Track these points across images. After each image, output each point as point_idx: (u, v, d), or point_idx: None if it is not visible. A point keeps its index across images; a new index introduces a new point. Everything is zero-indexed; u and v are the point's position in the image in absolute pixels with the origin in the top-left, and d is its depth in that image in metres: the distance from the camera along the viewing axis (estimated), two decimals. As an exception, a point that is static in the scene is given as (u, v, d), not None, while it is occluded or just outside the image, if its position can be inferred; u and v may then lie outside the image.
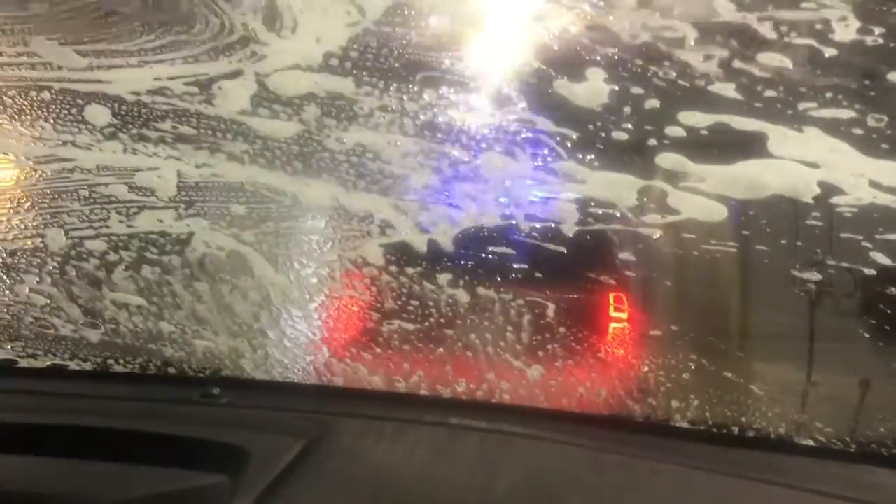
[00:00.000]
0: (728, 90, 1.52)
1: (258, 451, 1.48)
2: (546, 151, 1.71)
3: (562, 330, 1.87)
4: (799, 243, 1.69)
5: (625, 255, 1.81)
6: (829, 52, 1.42)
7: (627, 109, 1.61)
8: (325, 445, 1.51)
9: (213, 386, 1.81)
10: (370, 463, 1.47)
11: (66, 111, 1.81)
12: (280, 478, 1.40)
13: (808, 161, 1.51)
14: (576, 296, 1.96)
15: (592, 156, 1.69)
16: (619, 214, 1.69)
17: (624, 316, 2.04)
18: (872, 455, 1.41)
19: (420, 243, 1.84)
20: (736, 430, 1.58)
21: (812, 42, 1.44)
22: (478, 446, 1.51)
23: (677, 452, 1.48)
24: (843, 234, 1.57)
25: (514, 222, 1.82)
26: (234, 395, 1.79)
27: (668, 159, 1.60)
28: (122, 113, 1.82)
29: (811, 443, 1.43)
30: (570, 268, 1.81)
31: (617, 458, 1.44)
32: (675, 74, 1.54)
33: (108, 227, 1.90)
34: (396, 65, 1.70)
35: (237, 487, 1.37)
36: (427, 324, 1.91)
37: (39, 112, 1.79)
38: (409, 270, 1.90)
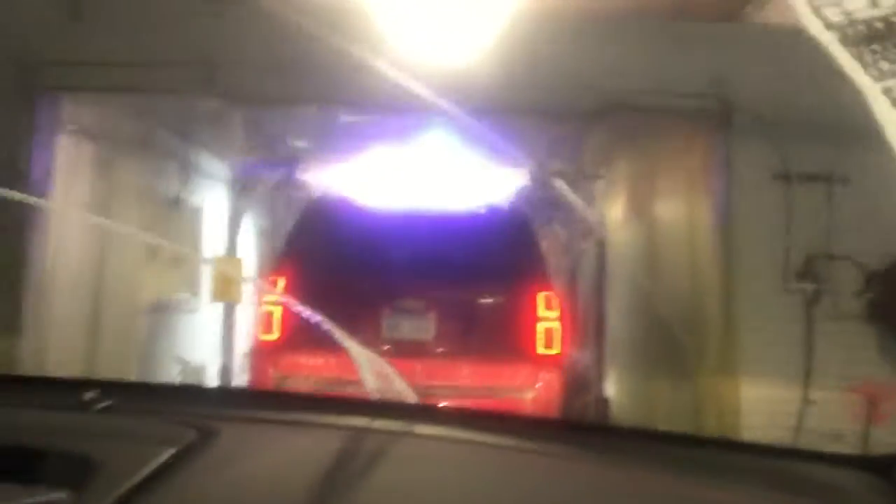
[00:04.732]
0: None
1: (111, 463, 1.26)
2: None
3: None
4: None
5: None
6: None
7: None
8: (198, 454, 1.31)
9: (90, 389, 1.60)
10: (249, 472, 1.26)
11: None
12: (129, 493, 1.18)
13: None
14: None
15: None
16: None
17: None
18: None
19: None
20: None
21: None
22: (378, 451, 1.30)
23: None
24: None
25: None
26: (117, 399, 1.58)
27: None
28: None
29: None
30: None
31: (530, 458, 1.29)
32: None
33: None
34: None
35: None
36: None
37: None
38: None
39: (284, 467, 1.28)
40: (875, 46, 1.76)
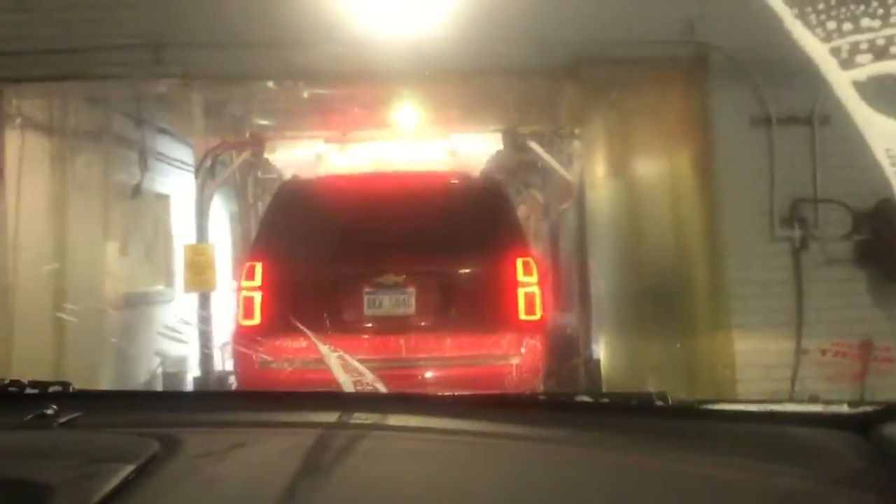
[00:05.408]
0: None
1: (69, 486, 1.13)
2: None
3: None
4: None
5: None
6: None
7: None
8: (161, 467, 1.19)
9: (49, 403, 1.46)
10: (214, 480, 1.16)
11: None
12: None
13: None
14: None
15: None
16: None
17: None
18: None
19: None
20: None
21: None
22: (351, 447, 1.21)
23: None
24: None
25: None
26: (78, 412, 1.44)
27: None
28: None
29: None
30: None
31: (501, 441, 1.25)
32: None
33: None
34: None
35: None
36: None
37: None
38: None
39: (253, 472, 1.19)
40: (820, 5, 1.64)
